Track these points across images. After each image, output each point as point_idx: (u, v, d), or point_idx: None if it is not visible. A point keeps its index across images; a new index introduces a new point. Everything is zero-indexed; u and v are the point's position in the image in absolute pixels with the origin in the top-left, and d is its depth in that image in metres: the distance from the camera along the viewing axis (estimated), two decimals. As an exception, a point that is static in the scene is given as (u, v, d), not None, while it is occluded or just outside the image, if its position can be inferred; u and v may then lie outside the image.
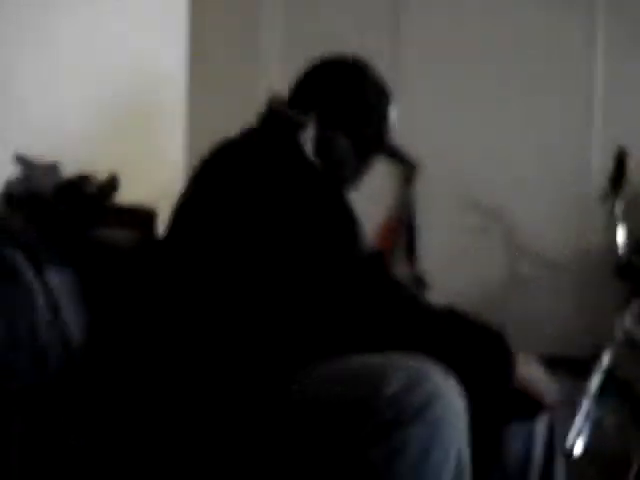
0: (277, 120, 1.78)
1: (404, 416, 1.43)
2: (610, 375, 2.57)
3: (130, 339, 1.75)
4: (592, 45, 3.06)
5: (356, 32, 3.21)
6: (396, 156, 1.88)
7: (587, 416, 2.55)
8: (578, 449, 2.55)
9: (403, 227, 3.18)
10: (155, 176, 3.15)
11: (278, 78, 3.34)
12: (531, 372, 1.57)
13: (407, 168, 1.99)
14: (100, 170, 2.41)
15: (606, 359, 2.57)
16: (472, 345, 1.53)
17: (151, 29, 3.15)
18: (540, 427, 1.72)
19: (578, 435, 2.54)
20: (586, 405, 2.54)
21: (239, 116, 3.30)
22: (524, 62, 3.11)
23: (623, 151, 2.58)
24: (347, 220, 1.64)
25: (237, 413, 1.56)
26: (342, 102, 1.79)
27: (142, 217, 2.43)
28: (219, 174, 1.67)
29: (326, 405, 1.51)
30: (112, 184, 2.38)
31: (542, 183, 3.08)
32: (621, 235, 2.61)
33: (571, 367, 2.63)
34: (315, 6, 3.36)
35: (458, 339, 1.53)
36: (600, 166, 2.92)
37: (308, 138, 1.76)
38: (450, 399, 1.45)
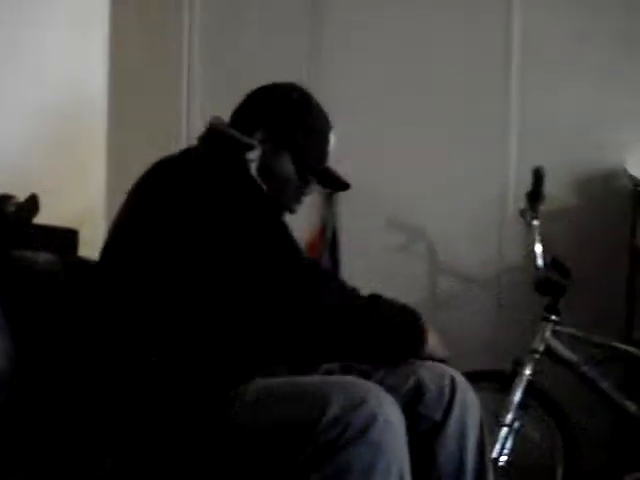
0: (222, 139, 1.78)
1: (346, 437, 1.46)
2: (532, 387, 2.63)
3: (63, 362, 1.73)
4: (507, 65, 3.14)
5: (276, 61, 3.23)
6: (330, 178, 1.90)
7: (510, 427, 2.60)
8: (503, 461, 2.59)
9: (326, 246, 3.21)
10: (77, 198, 3.11)
11: (199, 107, 3.34)
12: (431, 338, 1.75)
13: (337, 190, 2.02)
14: (21, 192, 2.38)
15: (527, 371, 2.63)
16: (397, 324, 1.68)
17: (73, 59, 3.14)
18: (472, 438, 1.75)
19: (502, 446, 2.59)
20: (509, 417, 2.59)
21: (159, 141, 3.31)
22: (443, 83, 3.17)
23: (540, 169, 2.66)
24: (285, 235, 1.66)
25: (177, 435, 1.54)
26: (288, 123, 1.81)
27: (63, 237, 2.40)
28: (161, 190, 1.66)
29: (268, 428, 1.52)
30: (32, 204, 2.34)
31: (462, 201, 3.14)
32: (539, 251, 2.68)
33: (494, 380, 2.69)
34: (235, 40, 3.37)
35: (386, 322, 1.66)
36: (517, 184, 3.00)
37: (254, 157, 1.77)
38: (390, 417, 1.49)
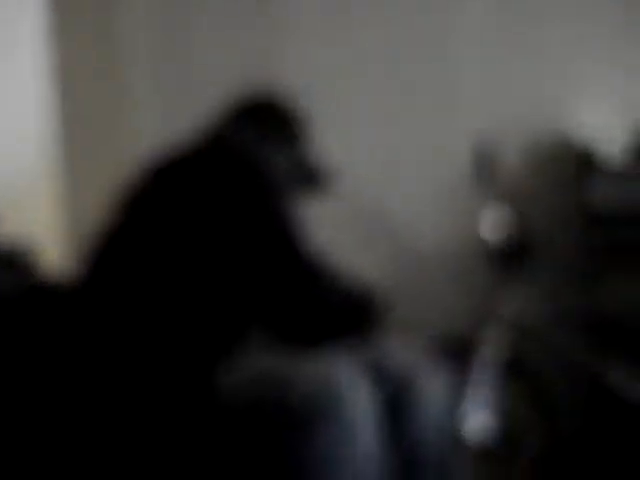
0: (237, 153, 1.83)
1: (314, 417, 1.52)
2: (502, 360, 2.64)
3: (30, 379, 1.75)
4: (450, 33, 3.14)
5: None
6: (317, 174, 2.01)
7: (482, 402, 2.60)
8: (475, 436, 2.60)
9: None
10: (31, 219, 3.10)
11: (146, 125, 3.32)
12: None
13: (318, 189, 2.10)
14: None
15: (492, 342, 2.64)
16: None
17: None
18: (436, 415, 1.77)
19: (475, 422, 2.59)
20: (478, 392, 2.60)
21: (112, 144, 3.28)
22: (381, 57, 3.15)
23: (481, 145, 2.68)
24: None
25: (159, 413, 1.59)
26: (280, 121, 1.94)
27: (18, 257, 2.38)
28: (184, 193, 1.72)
29: (241, 408, 1.58)
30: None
31: (415, 180, 3.13)
32: (490, 223, 2.69)
33: (459, 357, 2.69)
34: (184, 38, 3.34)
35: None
36: (467, 156, 2.99)
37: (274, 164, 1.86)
38: (359, 399, 1.56)
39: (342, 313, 1.74)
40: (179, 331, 1.64)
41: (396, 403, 1.74)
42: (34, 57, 3.31)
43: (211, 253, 1.66)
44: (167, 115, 3.28)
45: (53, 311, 1.92)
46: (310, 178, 2.00)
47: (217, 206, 1.69)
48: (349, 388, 1.55)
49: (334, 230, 3.14)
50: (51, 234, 3.21)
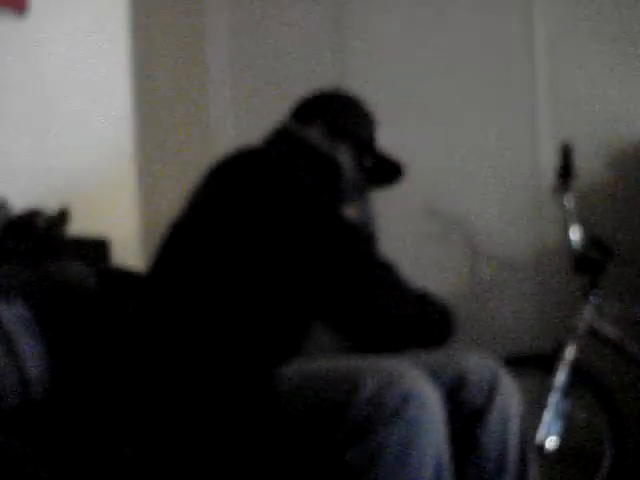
0: (306, 147, 1.84)
1: (380, 416, 1.47)
2: (576, 368, 2.58)
3: (95, 364, 1.77)
4: (531, 40, 3.08)
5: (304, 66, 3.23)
6: (386, 165, 1.98)
7: (556, 411, 2.55)
8: (549, 445, 2.55)
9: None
10: (109, 209, 3.14)
11: (228, 113, 3.34)
12: None
13: (390, 181, 2.07)
14: (51, 205, 2.40)
15: (570, 353, 2.58)
16: (436, 335, 1.77)
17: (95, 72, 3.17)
18: (514, 425, 1.73)
19: (548, 431, 2.55)
20: (553, 400, 2.55)
21: (189, 149, 3.31)
22: (469, 65, 3.13)
23: (568, 145, 2.61)
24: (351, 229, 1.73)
25: (213, 421, 1.57)
26: (345, 114, 1.92)
27: (95, 248, 2.42)
28: (246, 191, 1.69)
29: (305, 409, 1.54)
30: (62, 217, 2.37)
31: (496, 184, 3.09)
32: (575, 229, 2.63)
33: (536, 364, 2.65)
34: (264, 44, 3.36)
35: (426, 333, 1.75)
36: (551, 163, 2.93)
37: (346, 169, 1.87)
38: (425, 397, 1.50)
39: (412, 322, 1.70)
40: (239, 329, 1.62)
41: (473, 413, 1.71)
42: (118, 55, 3.36)
43: (273, 249, 1.63)
44: (245, 115, 3.31)
45: (121, 300, 1.95)
46: (381, 172, 1.97)
47: (285, 200, 1.65)
48: (415, 387, 1.50)
49: (410, 233, 3.13)
50: (128, 228, 3.25)
